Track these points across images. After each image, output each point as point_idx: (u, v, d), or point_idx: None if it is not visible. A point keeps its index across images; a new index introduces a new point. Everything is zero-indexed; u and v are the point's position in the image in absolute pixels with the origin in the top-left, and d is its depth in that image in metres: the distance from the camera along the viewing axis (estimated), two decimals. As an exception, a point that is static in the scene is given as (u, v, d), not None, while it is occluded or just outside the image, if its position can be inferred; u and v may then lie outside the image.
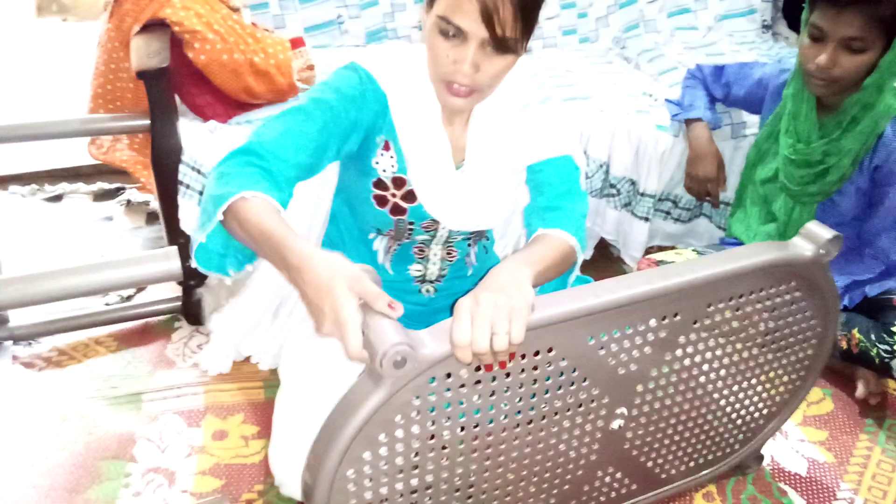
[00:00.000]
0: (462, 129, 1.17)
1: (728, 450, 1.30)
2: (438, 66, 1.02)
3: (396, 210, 1.17)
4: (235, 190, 0.90)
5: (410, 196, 1.15)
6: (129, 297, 1.83)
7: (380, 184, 1.15)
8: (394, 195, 1.15)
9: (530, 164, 1.18)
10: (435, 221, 1.19)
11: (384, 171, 1.14)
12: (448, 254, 1.27)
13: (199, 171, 1.61)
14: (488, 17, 0.95)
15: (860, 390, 1.57)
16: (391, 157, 1.13)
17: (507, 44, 0.98)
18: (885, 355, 1.52)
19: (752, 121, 1.96)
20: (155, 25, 1.62)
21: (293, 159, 1.00)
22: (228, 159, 0.97)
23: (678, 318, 0.99)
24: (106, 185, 2.36)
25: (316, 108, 1.03)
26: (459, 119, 1.16)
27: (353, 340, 0.78)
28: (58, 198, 2.32)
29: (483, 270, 1.31)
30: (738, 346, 1.12)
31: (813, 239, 1.06)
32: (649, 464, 1.19)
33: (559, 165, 1.17)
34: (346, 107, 1.05)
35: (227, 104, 1.76)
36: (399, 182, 1.14)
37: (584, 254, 1.16)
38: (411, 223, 1.19)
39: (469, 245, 1.29)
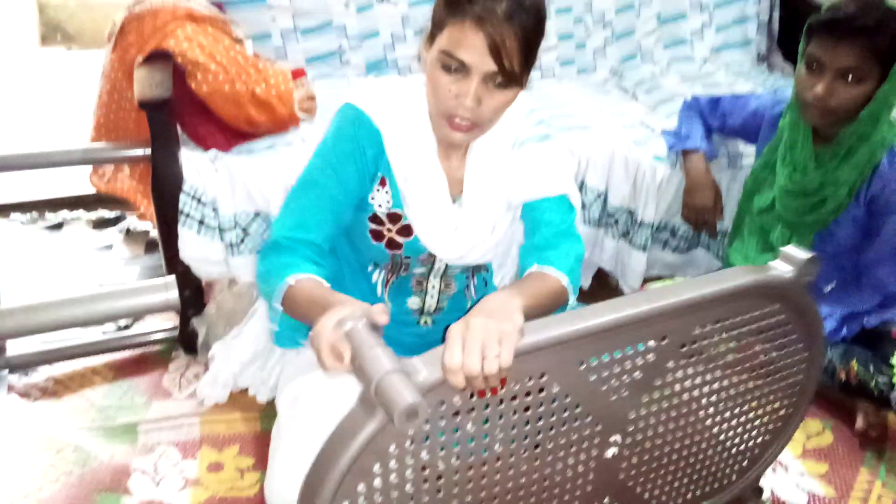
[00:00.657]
0: (459, 162, 1.18)
1: (725, 481, 1.29)
2: (440, 101, 1.04)
3: (392, 244, 1.18)
4: (280, 281, 1.00)
5: (406, 231, 1.16)
6: (126, 326, 1.83)
7: (375, 219, 1.16)
8: (389, 230, 1.17)
9: (526, 202, 1.18)
10: (432, 255, 1.20)
11: (380, 206, 1.15)
12: (446, 286, 1.27)
13: (199, 200, 1.62)
14: (496, 50, 0.97)
15: (860, 423, 1.56)
16: (386, 192, 1.14)
17: (512, 76, 1.00)
18: (884, 387, 1.51)
19: (748, 151, 1.97)
20: (158, 56, 1.64)
21: (318, 236, 1.08)
22: (264, 259, 1.06)
23: (666, 341, 0.99)
24: (106, 214, 2.37)
25: (323, 177, 1.09)
26: (457, 153, 1.17)
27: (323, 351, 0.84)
28: (58, 226, 2.33)
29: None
30: (728, 370, 1.11)
31: (791, 261, 1.07)
32: (646, 495, 1.18)
33: (555, 205, 1.17)
34: (348, 166, 1.10)
35: (228, 133, 1.78)
36: (394, 217, 1.16)
37: (582, 283, 1.16)
38: (407, 257, 1.20)
39: (467, 278, 1.29)
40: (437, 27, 1.03)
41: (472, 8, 0.97)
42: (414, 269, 1.23)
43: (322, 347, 0.83)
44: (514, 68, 0.99)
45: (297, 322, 1.05)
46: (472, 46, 0.98)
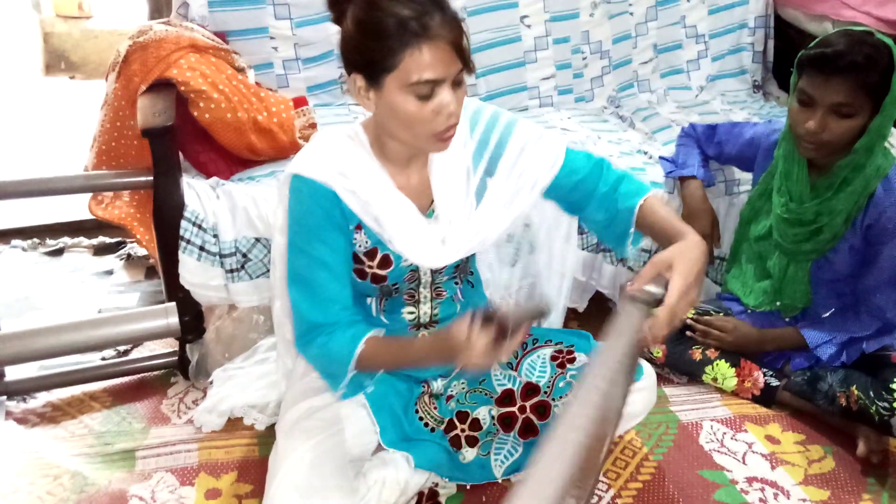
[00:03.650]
0: (419, 175, 1.21)
1: None
2: (423, 126, 1.07)
3: (376, 279, 1.23)
4: (351, 354, 1.14)
5: (385, 262, 1.21)
6: (125, 352, 1.82)
7: (356, 258, 1.21)
8: (370, 267, 1.21)
9: (552, 182, 1.23)
10: (414, 273, 1.24)
11: (359, 247, 1.20)
12: (437, 294, 1.32)
13: (200, 227, 1.63)
14: (459, 49, 1.04)
15: (861, 448, 1.55)
16: (363, 235, 1.19)
17: (470, 66, 1.07)
18: (884, 413, 1.51)
19: (745, 178, 1.99)
20: (161, 85, 1.66)
21: (346, 299, 1.18)
22: (313, 343, 1.17)
23: None
24: (107, 240, 2.38)
25: (320, 252, 1.15)
26: (417, 162, 1.20)
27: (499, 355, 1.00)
28: (58, 252, 2.33)
29: (470, 303, 1.37)
30: None
31: None
32: None
33: (572, 159, 1.23)
34: (330, 232, 1.16)
35: (230, 161, 1.79)
36: (371, 254, 1.20)
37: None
38: (394, 284, 1.24)
39: (455, 284, 1.33)
40: (383, 69, 1.04)
41: (421, 32, 1.01)
42: (403, 288, 1.27)
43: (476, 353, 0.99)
44: (470, 57, 1.07)
45: (357, 379, 1.20)
46: (438, 61, 1.02)
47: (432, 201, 1.22)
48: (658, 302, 1.00)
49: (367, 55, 1.04)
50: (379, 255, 1.20)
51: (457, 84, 1.06)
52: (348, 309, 1.18)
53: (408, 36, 1.00)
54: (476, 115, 1.23)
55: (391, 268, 1.21)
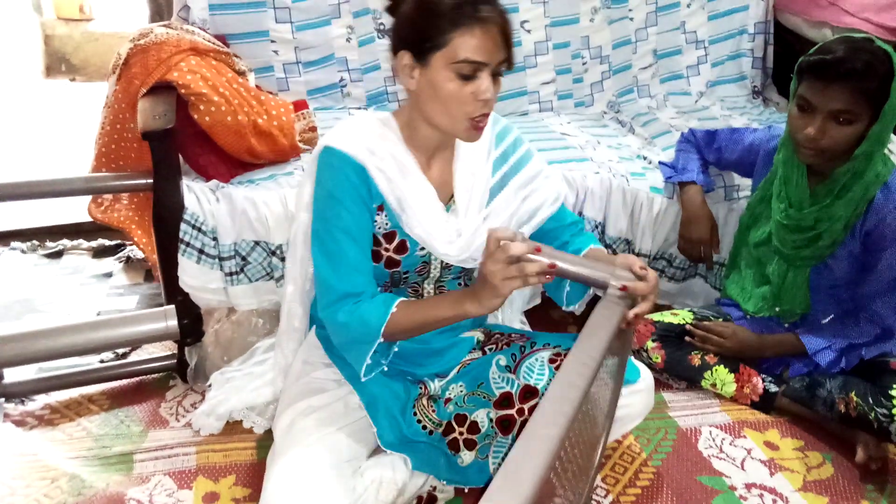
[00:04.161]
0: (441, 169, 1.26)
1: None
2: (460, 107, 1.12)
3: (390, 263, 1.25)
4: (382, 319, 1.14)
5: (402, 247, 1.24)
6: (124, 355, 1.82)
7: (374, 240, 1.23)
8: (387, 249, 1.24)
9: (542, 222, 1.33)
10: (426, 264, 1.27)
11: (379, 228, 1.22)
12: (439, 292, 1.34)
13: (199, 230, 1.63)
14: (506, 38, 1.10)
15: (860, 455, 1.55)
16: (384, 216, 1.22)
17: (512, 60, 1.15)
18: (883, 419, 1.51)
19: (744, 183, 1.99)
20: (162, 88, 1.66)
21: (370, 272, 1.21)
22: (341, 311, 1.17)
23: None
24: (106, 242, 2.38)
25: (346, 223, 1.18)
26: (441, 156, 1.25)
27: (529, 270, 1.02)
28: (58, 254, 2.33)
29: None
30: None
31: None
32: None
33: (563, 209, 1.35)
34: (359, 207, 1.18)
35: (230, 164, 1.79)
36: (390, 237, 1.23)
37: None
38: (406, 272, 1.27)
39: (459, 284, 1.36)
40: (433, 46, 1.09)
41: (475, 15, 1.08)
42: (410, 280, 1.30)
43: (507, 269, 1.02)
44: (513, 51, 1.13)
45: (375, 356, 1.20)
46: (486, 45, 1.09)
47: (451, 196, 1.26)
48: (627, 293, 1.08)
49: (421, 31, 1.10)
50: (397, 240, 1.24)
51: (496, 75, 1.12)
52: (372, 283, 1.21)
53: (462, 17, 1.08)
54: (504, 132, 1.32)
55: (406, 254, 1.24)
